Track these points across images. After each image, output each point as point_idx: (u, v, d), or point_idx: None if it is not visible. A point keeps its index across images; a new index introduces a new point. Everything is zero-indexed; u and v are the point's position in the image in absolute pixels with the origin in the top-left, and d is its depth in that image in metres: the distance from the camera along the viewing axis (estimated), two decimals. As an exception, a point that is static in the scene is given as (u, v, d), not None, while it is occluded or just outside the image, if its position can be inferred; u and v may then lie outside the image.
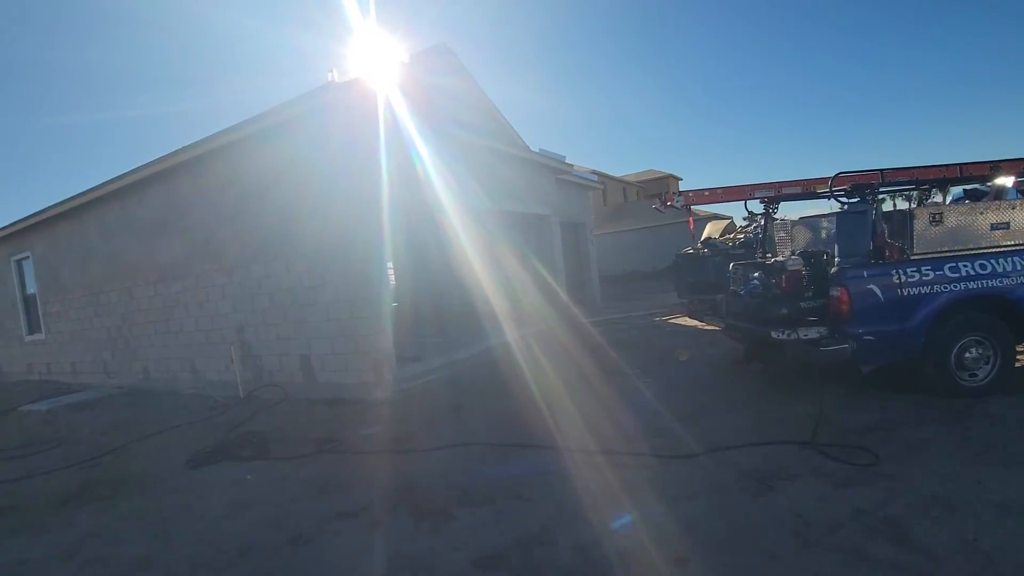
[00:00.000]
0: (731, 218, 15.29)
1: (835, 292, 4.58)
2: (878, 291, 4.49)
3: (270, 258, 7.06)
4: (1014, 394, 4.39)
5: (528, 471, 3.97)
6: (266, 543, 3.25)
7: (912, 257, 4.59)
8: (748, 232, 13.05)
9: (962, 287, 4.46)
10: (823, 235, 5.73)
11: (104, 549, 3.41)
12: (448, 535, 3.11)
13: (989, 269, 4.47)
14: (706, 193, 13.24)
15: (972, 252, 4.58)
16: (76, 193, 9.31)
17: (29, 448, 6.14)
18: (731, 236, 13.38)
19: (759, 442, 3.96)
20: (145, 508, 4.01)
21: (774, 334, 4.71)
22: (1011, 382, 4.51)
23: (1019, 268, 4.47)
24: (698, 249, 13.18)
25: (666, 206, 13.48)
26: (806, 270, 5.03)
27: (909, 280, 4.46)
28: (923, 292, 4.45)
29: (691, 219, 14.71)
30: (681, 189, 13.53)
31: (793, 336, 4.68)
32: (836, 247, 5.14)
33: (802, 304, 4.91)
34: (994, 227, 4.65)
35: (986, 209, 4.75)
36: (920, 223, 4.60)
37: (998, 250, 4.58)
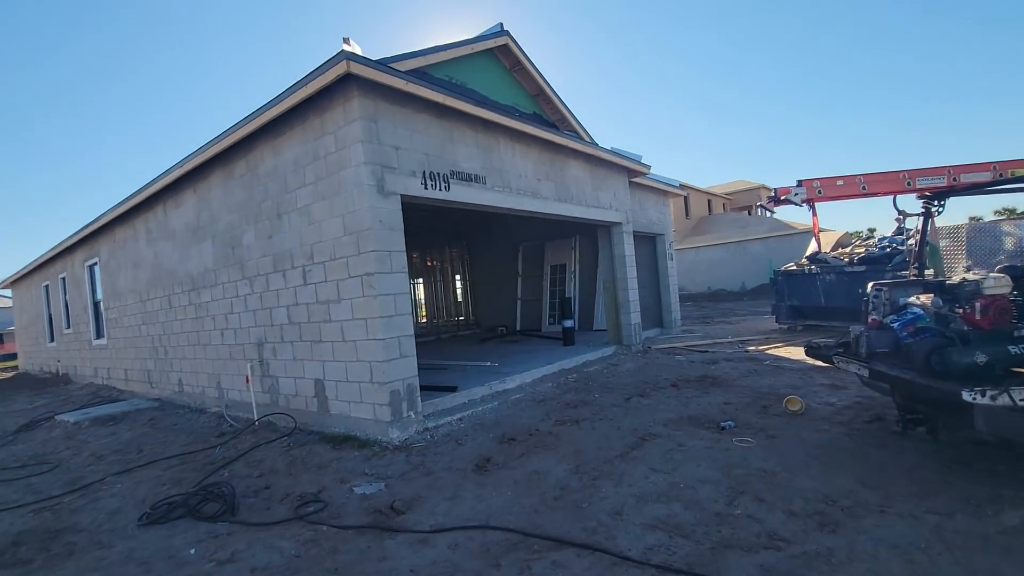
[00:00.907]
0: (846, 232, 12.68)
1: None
2: None
3: (288, 267, 6.16)
4: None
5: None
6: None
7: None
8: (870, 245, 10.70)
9: None
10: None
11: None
12: None
13: None
14: (839, 183, 10.46)
15: None
16: (127, 196, 9.11)
17: (23, 470, 5.56)
18: (845, 251, 11.06)
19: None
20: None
21: (967, 395, 2.95)
22: None
23: None
24: (804, 265, 11.01)
25: (778, 203, 11.09)
26: (1016, 295, 3.22)
27: None
28: None
29: (815, 219, 11.60)
30: (802, 178, 10.70)
31: (1002, 398, 2.91)
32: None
33: (1012, 349, 3.11)
34: None
35: None
36: None
37: None
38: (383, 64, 5.21)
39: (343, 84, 5.20)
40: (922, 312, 3.76)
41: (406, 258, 5.43)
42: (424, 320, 18.62)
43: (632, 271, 10.07)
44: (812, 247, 12.55)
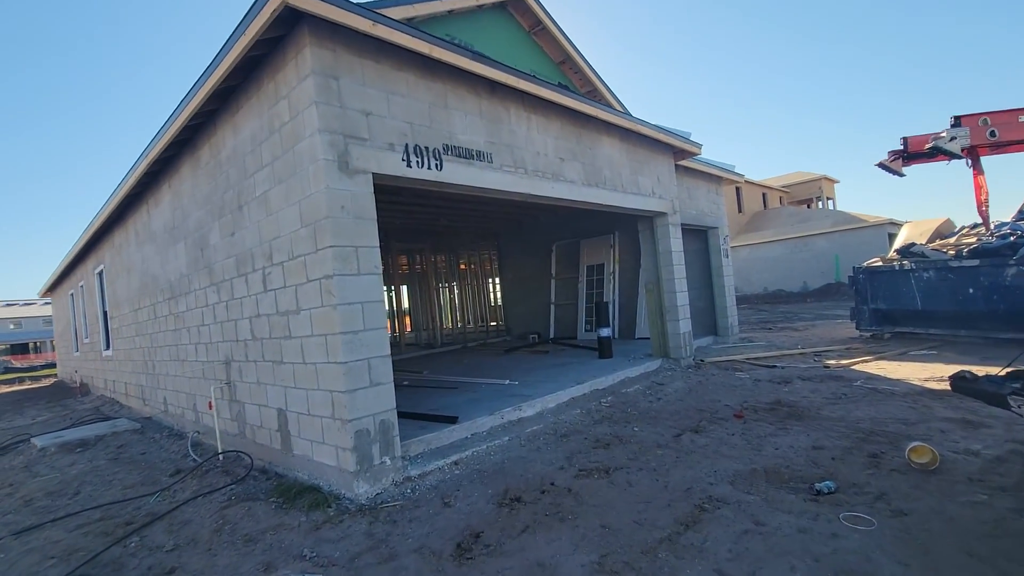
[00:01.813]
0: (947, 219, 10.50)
1: None
2: None
3: (249, 270, 5.04)
4: None
5: None
6: None
7: None
8: (981, 234, 8.69)
9: None
10: None
11: None
12: None
13: None
14: (1022, 118, 7.80)
15: None
16: (109, 195, 8.33)
17: (-59, 517, 4.66)
18: (948, 241, 9.05)
19: None
20: None
21: None
22: None
23: None
24: (893, 260, 9.09)
25: (910, 159, 8.61)
26: None
27: None
28: None
29: (977, 175, 8.49)
30: (962, 114, 8.34)
31: None
32: None
33: None
34: None
35: None
36: None
37: None
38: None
39: (295, 31, 4.02)
40: None
41: (380, 255, 4.16)
42: (449, 327, 17.47)
43: (680, 270, 8.49)
44: (905, 237, 10.45)
